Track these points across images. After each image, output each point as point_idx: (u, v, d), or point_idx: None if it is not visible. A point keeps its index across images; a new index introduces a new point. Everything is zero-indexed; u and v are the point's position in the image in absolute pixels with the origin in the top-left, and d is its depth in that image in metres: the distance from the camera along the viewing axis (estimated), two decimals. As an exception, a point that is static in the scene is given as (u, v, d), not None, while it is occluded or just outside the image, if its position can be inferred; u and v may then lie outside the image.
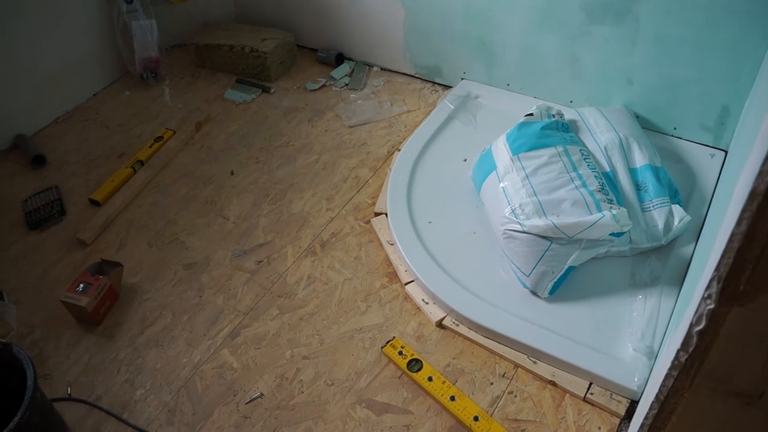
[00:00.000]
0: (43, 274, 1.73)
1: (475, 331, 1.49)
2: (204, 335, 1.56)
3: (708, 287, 0.64)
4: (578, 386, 1.37)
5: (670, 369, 0.74)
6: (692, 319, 0.68)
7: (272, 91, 2.33)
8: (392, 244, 1.69)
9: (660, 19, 1.70)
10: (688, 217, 1.55)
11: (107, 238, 1.82)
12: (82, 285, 1.57)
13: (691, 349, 0.70)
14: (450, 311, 1.52)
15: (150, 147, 2.08)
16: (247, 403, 1.41)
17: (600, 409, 1.34)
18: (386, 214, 1.77)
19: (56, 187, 1.97)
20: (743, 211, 0.57)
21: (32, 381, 1.17)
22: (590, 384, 1.37)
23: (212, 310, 1.61)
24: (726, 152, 1.81)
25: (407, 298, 1.59)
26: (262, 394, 1.43)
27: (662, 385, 0.77)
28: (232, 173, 2.00)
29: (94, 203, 1.91)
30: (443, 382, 1.40)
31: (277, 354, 1.50)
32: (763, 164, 0.54)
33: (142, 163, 2.03)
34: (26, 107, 2.16)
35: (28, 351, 1.41)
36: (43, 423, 1.23)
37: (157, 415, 1.40)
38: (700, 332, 0.67)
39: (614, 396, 1.34)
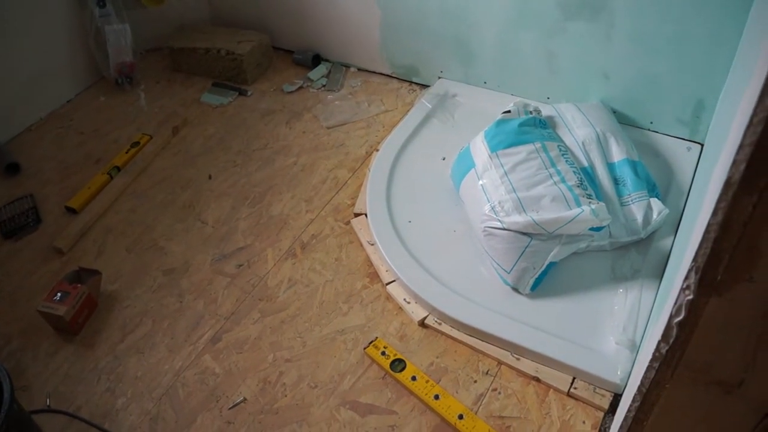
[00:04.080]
0: (19, 283, 1.70)
1: (458, 330, 1.49)
2: (185, 341, 1.54)
3: (686, 278, 0.64)
4: (562, 381, 1.37)
5: (652, 361, 0.75)
6: (672, 311, 0.68)
7: (249, 93, 2.32)
8: (372, 245, 1.69)
9: (635, 15, 1.71)
10: (667, 210, 1.56)
11: (84, 245, 1.79)
12: (59, 294, 1.55)
13: (671, 341, 0.70)
14: (432, 310, 1.52)
15: (126, 152, 2.06)
16: (230, 408, 1.40)
17: (584, 403, 1.35)
18: (366, 215, 1.76)
19: (31, 196, 1.94)
20: (719, 201, 0.58)
21: (9, 393, 1.15)
22: (574, 379, 1.37)
23: (193, 315, 1.59)
24: (702, 145, 1.82)
25: (389, 298, 1.59)
26: (245, 399, 1.41)
27: (644, 377, 0.78)
28: (210, 177, 1.98)
29: (71, 211, 1.88)
30: (427, 381, 1.39)
31: (259, 358, 1.49)
32: (737, 154, 0.54)
33: (118, 169, 2.00)
34: (-2, 115, 2.12)
35: (4, 363, 1.39)
36: (22, 435, 1.21)
37: (140, 424, 1.39)
38: (679, 323, 0.68)
39: (598, 390, 1.35)
